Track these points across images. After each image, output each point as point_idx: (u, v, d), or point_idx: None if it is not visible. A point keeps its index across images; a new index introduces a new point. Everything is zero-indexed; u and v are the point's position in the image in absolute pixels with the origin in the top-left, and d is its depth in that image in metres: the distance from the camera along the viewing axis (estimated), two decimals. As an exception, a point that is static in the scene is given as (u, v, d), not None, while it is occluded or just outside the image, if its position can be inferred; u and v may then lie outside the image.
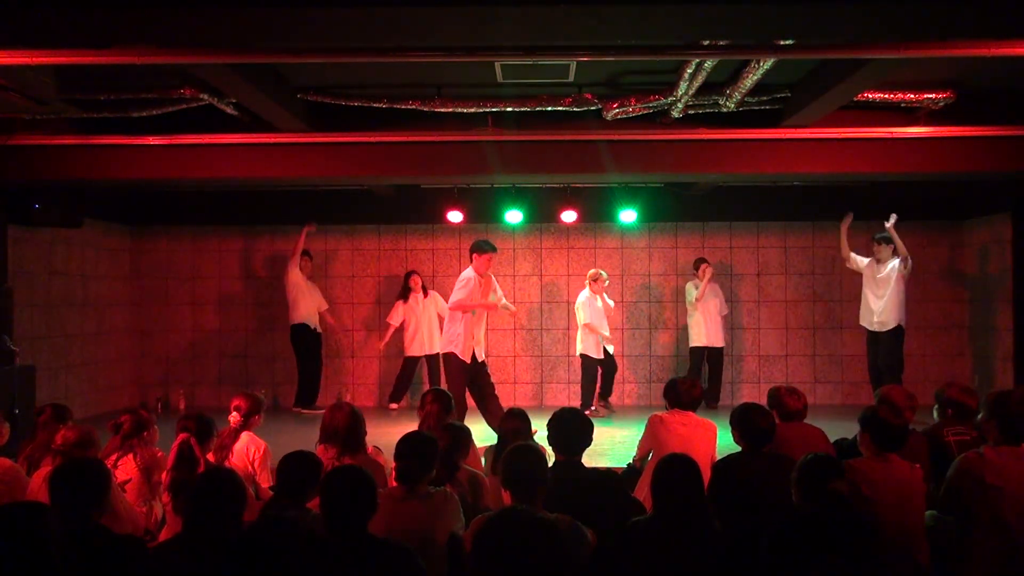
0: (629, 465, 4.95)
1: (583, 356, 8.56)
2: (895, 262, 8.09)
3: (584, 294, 8.64)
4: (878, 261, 8.22)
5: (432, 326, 8.98)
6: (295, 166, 7.23)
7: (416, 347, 9.02)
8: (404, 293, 9.09)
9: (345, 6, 4.23)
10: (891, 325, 8.05)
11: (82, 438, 3.99)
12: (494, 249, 7.15)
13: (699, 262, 9.02)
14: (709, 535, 2.99)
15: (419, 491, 3.35)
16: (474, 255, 7.07)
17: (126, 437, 4.28)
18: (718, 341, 9.03)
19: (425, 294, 9.09)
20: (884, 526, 3.31)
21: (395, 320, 9.05)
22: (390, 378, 9.49)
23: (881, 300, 8.09)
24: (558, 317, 9.75)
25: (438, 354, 8.82)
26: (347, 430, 4.19)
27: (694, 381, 4.87)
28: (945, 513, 3.56)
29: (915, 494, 3.47)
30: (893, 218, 8.07)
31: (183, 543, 2.89)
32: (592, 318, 8.49)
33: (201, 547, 2.78)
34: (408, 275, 9.15)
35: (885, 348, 8.08)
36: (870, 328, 8.24)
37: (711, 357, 9.04)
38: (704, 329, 8.96)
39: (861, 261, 8.35)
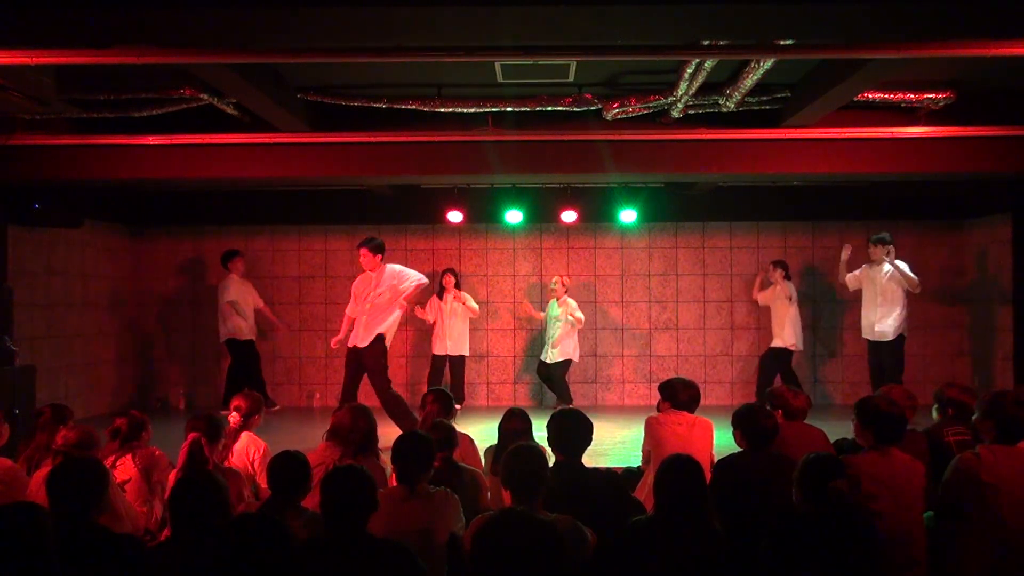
0: (638, 468, 4.97)
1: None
2: (895, 263, 8.02)
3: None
4: (872, 263, 8.11)
5: (453, 327, 8.89)
6: (295, 166, 7.23)
7: (439, 346, 8.93)
8: (440, 291, 9.00)
9: (345, 6, 4.23)
10: (892, 336, 7.94)
11: (82, 439, 3.98)
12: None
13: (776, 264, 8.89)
14: (709, 535, 2.99)
15: (419, 491, 3.36)
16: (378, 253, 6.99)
17: (125, 440, 4.28)
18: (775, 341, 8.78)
19: (454, 294, 8.98)
20: (883, 519, 3.32)
21: (429, 315, 8.97)
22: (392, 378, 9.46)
23: (882, 309, 7.96)
24: (558, 317, 9.75)
25: (461, 356, 8.96)
26: (364, 437, 4.20)
27: (692, 382, 4.87)
28: (942, 513, 3.56)
29: (915, 488, 3.48)
30: (892, 252, 8.03)
31: (179, 543, 2.89)
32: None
33: (196, 547, 2.77)
34: (443, 273, 9.06)
35: (888, 354, 7.97)
36: (871, 339, 8.12)
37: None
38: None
39: (856, 277, 8.25)
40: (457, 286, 9.03)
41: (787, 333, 8.66)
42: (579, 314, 8.78)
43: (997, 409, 3.56)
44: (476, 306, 9.00)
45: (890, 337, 7.96)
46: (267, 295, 9.60)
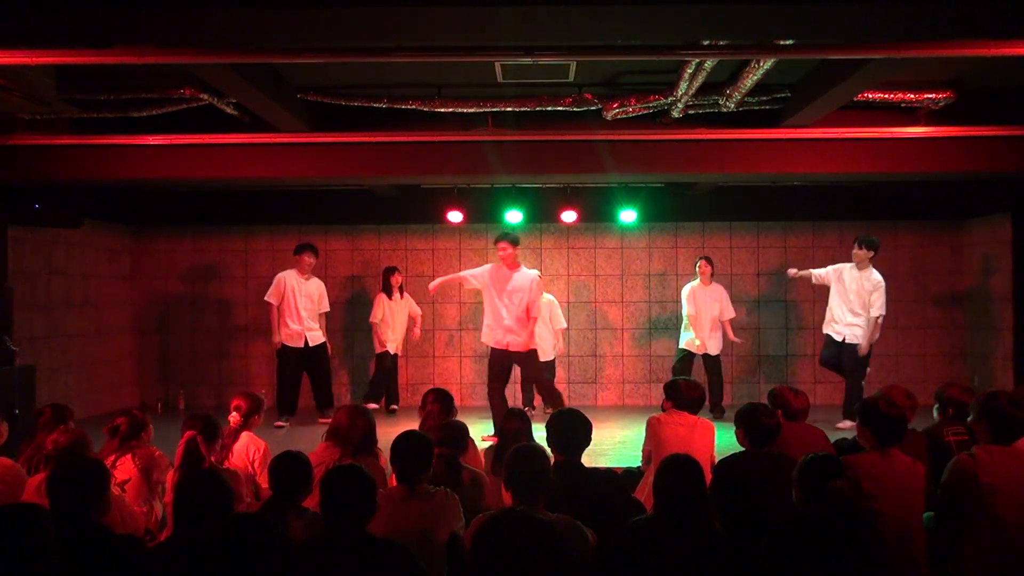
0: (638, 468, 4.96)
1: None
2: (872, 277, 7.65)
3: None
4: (855, 266, 7.73)
5: (398, 326, 8.73)
6: (295, 166, 7.23)
7: (389, 345, 8.70)
8: (387, 289, 8.76)
9: (345, 6, 4.23)
10: (857, 342, 7.65)
11: (74, 443, 3.96)
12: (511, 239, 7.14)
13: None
14: (709, 535, 2.99)
15: (419, 491, 3.36)
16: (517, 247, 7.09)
17: (124, 439, 4.27)
18: (711, 347, 8.41)
19: (401, 295, 8.81)
20: (883, 520, 3.32)
21: (376, 317, 8.73)
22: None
23: (856, 317, 7.63)
24: (558, 317, 9.74)
25: (396, 355, 8.81)
26: (363, 437, 4.21)
27: (696, 382, 4.88)
28: (941, 515, 3.56)
29: (916, 489, 3.48)
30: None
31: (179, 541, 2.89)
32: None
33: (195, 548, 2.78)
34: (390, 272, 8.81)
35: (849, 354, 7.68)
36: (834, 336, 7.76)
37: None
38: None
39: (824, 274, 7.93)
40: (401, 287, 8.84)
41: (720, 337, 8.37)
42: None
43: (991, 410, 3.57)
44: (419, 310, 8.93)
45: (855, 342, 7.67)
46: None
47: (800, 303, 9.74)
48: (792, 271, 8.17)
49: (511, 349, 6.97)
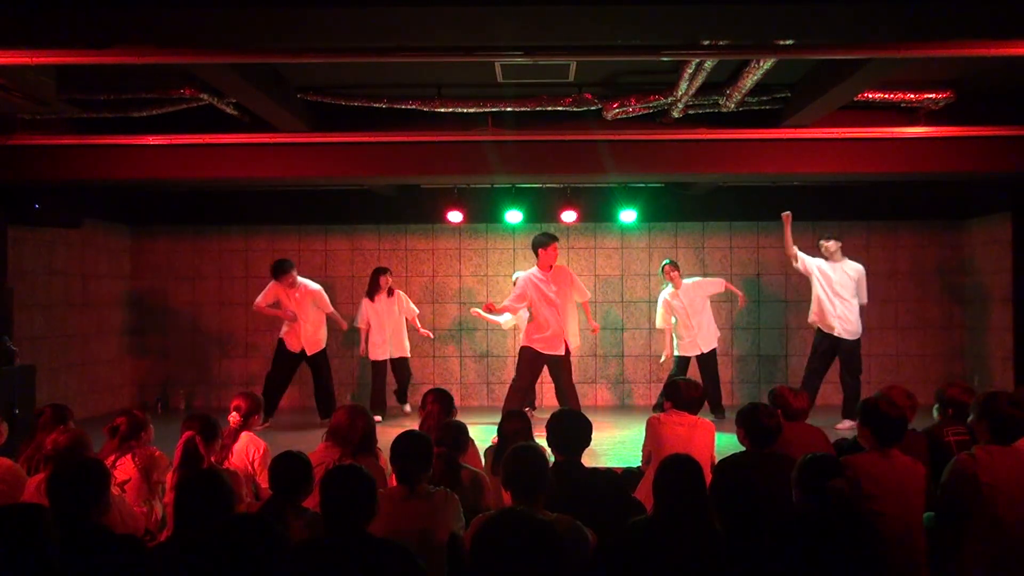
0: (638, 468, 4.96)
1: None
2: (851, 265, 7.74)
3: None
4: (829, 259, 7.79)
5: (388, 327, 8.37)
6: (295, 166, 7.24)
7: (379, 351, 8.35)
8: (371, 292, 8.37)
9: (345, 6, 4.23)
10: (857, 335, 7.68)
11: (74, 443, 3.96)
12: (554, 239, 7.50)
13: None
14: (709, 535, 2.99)
15: (419, 491, 3.36)
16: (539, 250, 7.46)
17: (124, 439, 4.27)
18: (706, 345, 8.31)
19: (389, 295, 8.44)
20: (883, 520, 3.32)
21: (362, 323, 8.39)
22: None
23: (847, 309, 7.63)
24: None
25: (404, 357, 8.56)
26: (363, 436, 4.21)
27: (696, 382, 4.88)
28: (941, 515, 3.57)
29: (916, 489, 3.49)
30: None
31: (179, 541, 2.89)
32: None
33: (195, 548, 2.78)
34: (380, 272, 8.43)
35: (849, 355, 7.69)
36: (829, 333, 7.71)
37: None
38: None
39: (808, 264, 7.83)
40: (390, 288, 8.46)
41: (714, 331, 8.27)
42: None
43: (991, 410, 3.58)
44: (416, 308, 8.67)
45: (856, 336, 7.69)
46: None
47: (800, 303, 9.72)
48: (786, 214, 7.87)
49: (557, 351, 7.24)
